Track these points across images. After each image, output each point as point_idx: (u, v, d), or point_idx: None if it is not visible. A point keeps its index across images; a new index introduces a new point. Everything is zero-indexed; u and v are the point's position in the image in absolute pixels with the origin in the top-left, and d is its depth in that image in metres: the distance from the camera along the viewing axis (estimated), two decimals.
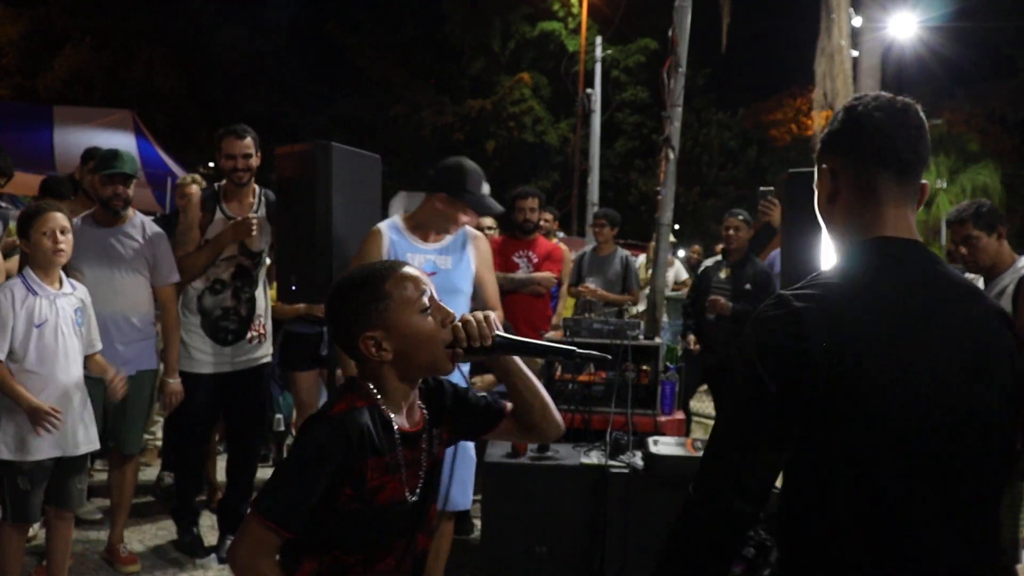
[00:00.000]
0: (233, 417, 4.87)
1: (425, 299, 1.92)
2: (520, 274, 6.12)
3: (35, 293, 3.70)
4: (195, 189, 5.55)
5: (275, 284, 5.47)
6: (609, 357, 2.06)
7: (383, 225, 3.78)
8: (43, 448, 3.69)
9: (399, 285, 1.90)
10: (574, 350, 1.97)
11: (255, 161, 4.64)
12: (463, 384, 2.19)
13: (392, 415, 1.93)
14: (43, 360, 3.69)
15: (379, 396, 1.93)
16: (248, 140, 4.60)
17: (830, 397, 1.50)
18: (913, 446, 1.52)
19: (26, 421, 3.63)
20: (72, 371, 3.80)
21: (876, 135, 1.68)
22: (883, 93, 1.71)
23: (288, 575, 1.90)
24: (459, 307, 3.71)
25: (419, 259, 3.69)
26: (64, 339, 3.75)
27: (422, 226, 3.78)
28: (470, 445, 3.78)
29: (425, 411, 2.03)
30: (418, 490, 1.98)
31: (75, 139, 10.38)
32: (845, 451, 1.53)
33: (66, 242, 3.77)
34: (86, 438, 3.88)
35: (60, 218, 3.76)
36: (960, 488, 1.56)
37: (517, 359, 2.07)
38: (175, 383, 4.51)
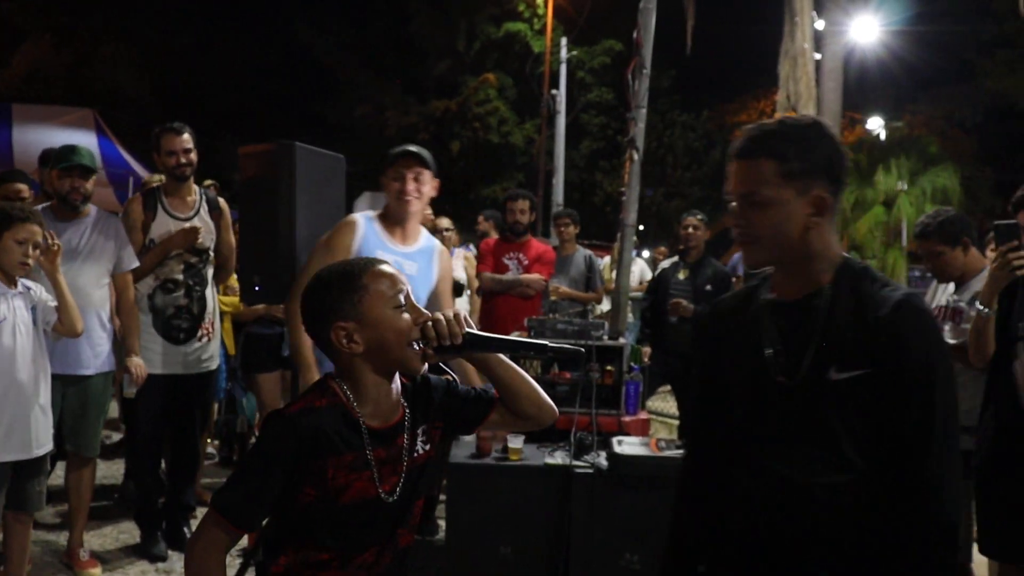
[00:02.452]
0: (180, 418, 4.83)
1: (400, 296, 1.94)
2: (509, 276, 6.13)
3: None
4: None
5: (224, 287, 5.43)
6: (583, 351, 2.11)
7: (359, 217, 3.72)
8: (3, 450, 3.64)
9: (376, 280, 1.93)
10: (547, 344, 2.01)
11: (195, 156, 4.70)
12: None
13: (360, 412, 1.93)
14: (1, 359, 3.63)
15: (348, 393, 1.94)
16: (186, 135, 4.65)
17: None
18: None
19: None
20: (30, 371, 3.73)
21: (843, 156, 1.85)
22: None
23: (266, 570, 1.94)
24: None
25: (388, 259, 3.65)
26: (21, 338, 3.69)
27: (388, 218, 3.74)
28: None
29: (406, 408, 2.03)
30: (398, 489, 1.97)
31: (35, 138, 10.20)
32: None
33: (34, 258, 3.72)
34: (45, 439, 3.83)
35: (38, 232, 3.71)
36: None
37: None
38: (138, 359, 4.45)
